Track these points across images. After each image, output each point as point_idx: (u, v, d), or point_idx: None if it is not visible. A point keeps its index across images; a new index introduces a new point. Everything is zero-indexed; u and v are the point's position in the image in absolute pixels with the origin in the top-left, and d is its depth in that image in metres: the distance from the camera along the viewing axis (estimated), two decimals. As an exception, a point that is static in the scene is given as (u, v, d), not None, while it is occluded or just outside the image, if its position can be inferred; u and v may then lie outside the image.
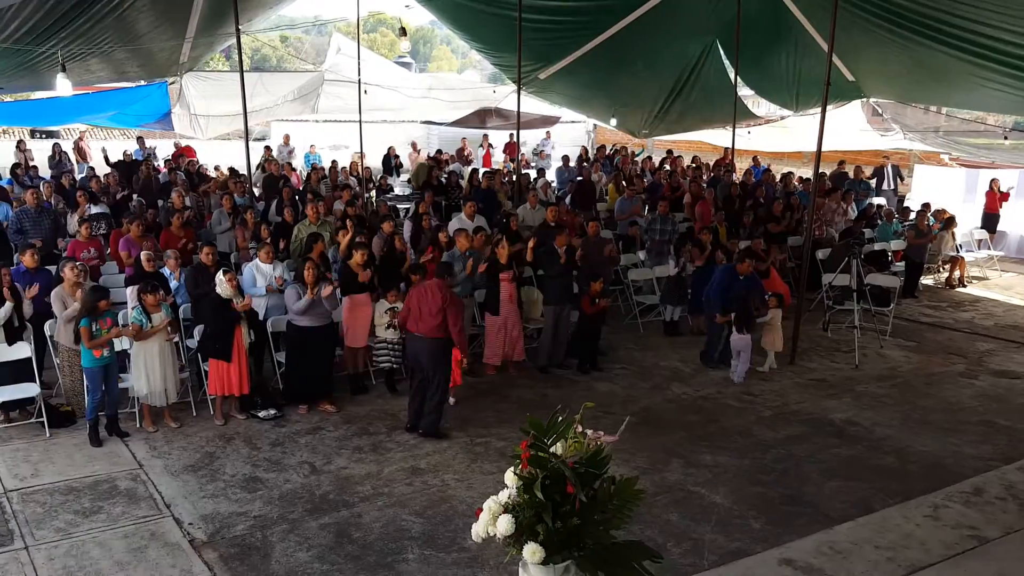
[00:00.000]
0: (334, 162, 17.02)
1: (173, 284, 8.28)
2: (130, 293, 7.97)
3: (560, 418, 3.38)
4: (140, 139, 18.32)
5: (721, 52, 15.41)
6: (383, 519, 5.74)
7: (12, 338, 7.18)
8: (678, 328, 10.36)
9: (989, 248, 14.87)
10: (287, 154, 19.04)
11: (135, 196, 13.13)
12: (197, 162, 17.17)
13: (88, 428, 6.92)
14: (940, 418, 7.80)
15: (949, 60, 11.48)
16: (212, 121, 16.57)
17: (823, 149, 9.27)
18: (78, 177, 14.88)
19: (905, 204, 15.56)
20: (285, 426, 7.35)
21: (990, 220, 15.14)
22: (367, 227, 10.38)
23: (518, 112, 13.05)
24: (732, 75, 15.04)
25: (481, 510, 3.38)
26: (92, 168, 16.00)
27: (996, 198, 14.99)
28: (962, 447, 7.14)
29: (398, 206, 14.71)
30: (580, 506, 3.20)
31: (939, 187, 16.74)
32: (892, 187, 17.17)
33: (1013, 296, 12.86)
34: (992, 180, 15.08)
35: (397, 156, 19.61)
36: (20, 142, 17.53)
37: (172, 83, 15.71)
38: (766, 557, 5.09)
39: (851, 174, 16.52)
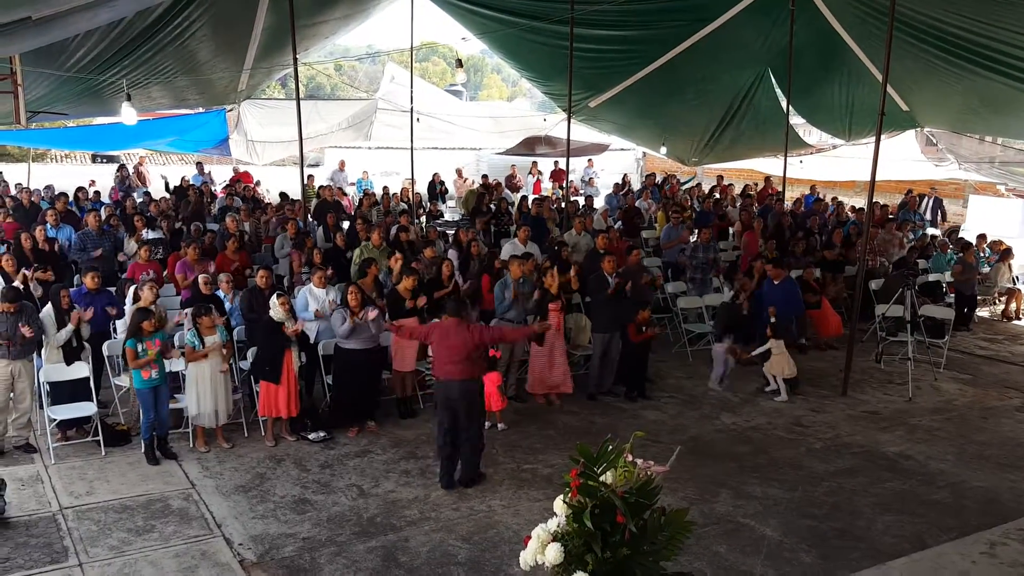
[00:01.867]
0: (385, 188, 17.29)
1: (227, 306, 8.49)
2: (186, 315, 8.18)
3: (610, 447, 3.38)
4: (199, 164, 18.83)
5: (773, 80, 15.36)
6: (430, 544, 5.77)
7: (71, 358, 7.39)
8: (727, 357, 10.25)
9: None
10: (344, 181, 19.41)
11: (183, 221, 13.46)
12: (252, 187, 17.59)
13: (144, 447, 7.11)
14: (996, 453, 7.59)
15: (1006, 90, 11.31)
16: (268, 147, 17.01)
17: (877, 179, 9.16)
18: (138, 202, 15.33)
19: (960, 235, 15.19)
20: (334, 448, 7.44)
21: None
22: (417, 252, 10.51)
23: (567, 140, 13.15)
24: (784, 104, 14.96)
25: (530, 537, 3.39)
26: (148, 193, 16.48)
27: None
28: (1019, 483, 6.93)
29: (448, 232, 14.87)
30: (630, 536, 3.20)
31: (995, 218, 16.41)
32: (930, 219, 16.92)
33: (1074, 330, 12.47)
34: None
35: (442, 183, 19.87)
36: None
37: (230, 110, 16.19)
38: (817, 593, 4.99)
39: (907, 203, 16.29)
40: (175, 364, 7.56)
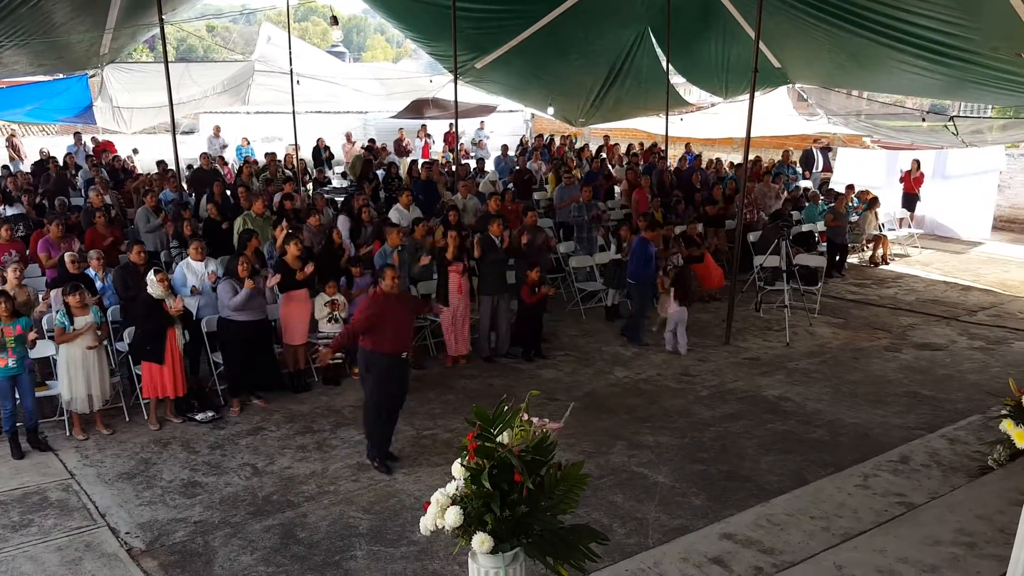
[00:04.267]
0: (268, 155, 16.62)
1: (99, 285, 8.00)
2: (54, 296, 7.67)
3: (506, 407, 3.40)
4: (77, 134, 17.47)
5: (653, 40, 15.59)
6: (329, 517, 5.69)
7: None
8: (618, 312, 10.49)
9: (910, 226, 15.45)
10: (219, 147, 18.49)
11: (43, 196, 12.55)
12: (123, 159, 16.57)
13: (8, 440, 6.65)
14: (867, 391, 8.10)
15: (870, 45, 11.82)
16: (136, 114, 16.06)
17: (752, 135, 9.48)
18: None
19: (830, 187, 15.99)
20: (224, 428, 7.20)
21: (910, 200, 15.72)
22: (303, 220, 10.19)
23: (455, 102, 12.98)
24: (664, 63, 15.22)
25: (429, 503, 3.38)
26: (8, 168, 15.28)
27: (914, 180, 15.56)
28: (888, 418, 7.43)
29: (336, 199, 14.48)
30: (528, 493, 3.23)
31: (862, 169, 17.29)
32: (821, 169, 17.71)
33: (932, 272, 13.40)
34: (913, 160, 15.61)
35: (327, 148, 19.30)
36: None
37: (93, 76, 15.18)
38: (707, 532, 5.21)
39: (781, 158, 16.95)
40: (47, 348, 7.10)
